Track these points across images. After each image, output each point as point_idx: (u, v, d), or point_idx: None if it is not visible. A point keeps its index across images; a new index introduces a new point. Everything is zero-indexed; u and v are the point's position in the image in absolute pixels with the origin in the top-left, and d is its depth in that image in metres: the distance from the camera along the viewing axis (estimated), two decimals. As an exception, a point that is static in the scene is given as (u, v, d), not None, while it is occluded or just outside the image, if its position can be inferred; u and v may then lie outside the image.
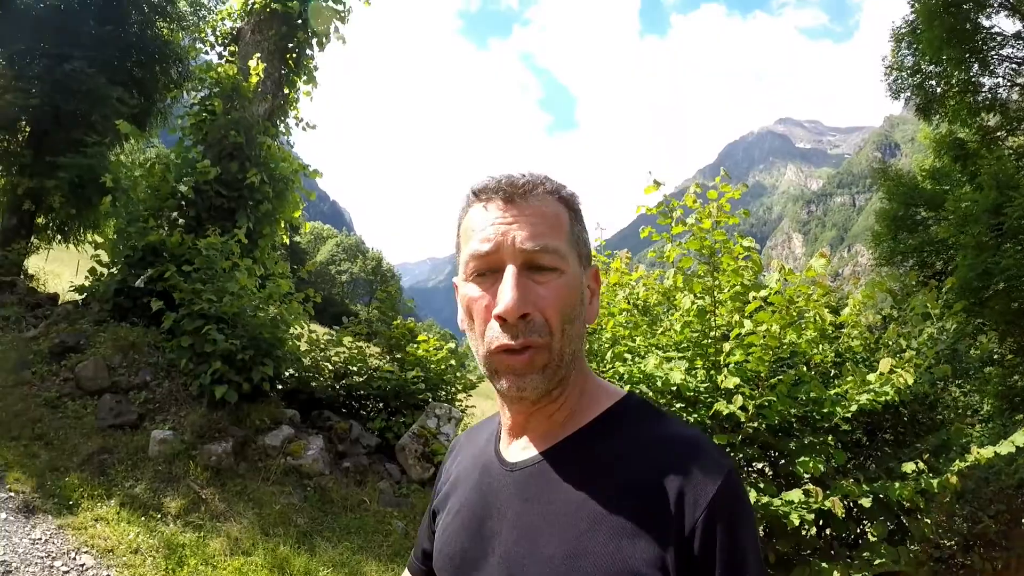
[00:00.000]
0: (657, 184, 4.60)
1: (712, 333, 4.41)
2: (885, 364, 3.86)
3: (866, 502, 3.69)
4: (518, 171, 1.03)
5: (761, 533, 3.97)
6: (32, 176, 10.60)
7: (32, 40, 10.66)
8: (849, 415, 4.04)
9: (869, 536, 4.06)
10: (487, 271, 0.99)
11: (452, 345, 7.88)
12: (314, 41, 10.16)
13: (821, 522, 4.13)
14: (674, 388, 4.26)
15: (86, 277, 8.67)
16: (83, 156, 10.40)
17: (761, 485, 3.90)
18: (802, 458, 3.89)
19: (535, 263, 0.96)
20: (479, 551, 1.02)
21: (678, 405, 4.36)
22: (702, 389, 4.25)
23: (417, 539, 1.34)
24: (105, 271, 8.47)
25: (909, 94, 14.42)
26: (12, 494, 5.01)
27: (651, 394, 4.34)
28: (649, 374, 4.23)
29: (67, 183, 10.48)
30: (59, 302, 9.52)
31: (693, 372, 4.32)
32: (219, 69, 8.78)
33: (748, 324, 3.98)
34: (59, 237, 12.51)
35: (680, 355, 4.44)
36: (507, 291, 0.94)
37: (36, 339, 7.55)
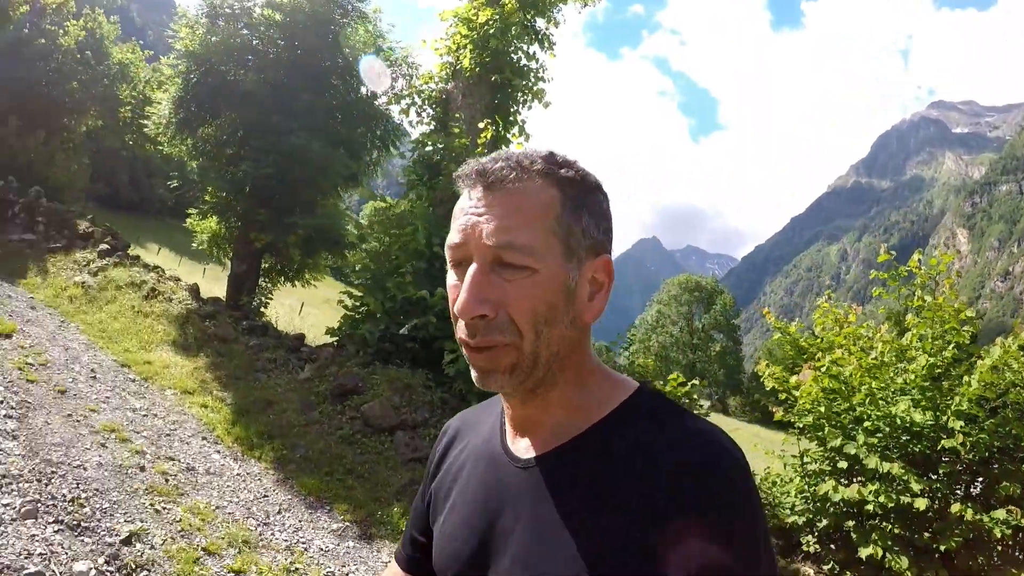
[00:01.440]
0: (889, 253, 5.87)
1: (937, 372, 5.40)
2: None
3: None
4: (514, 151, 1.00)
5: (962, 545, 4.88)
6: (266, 231, 12.35)
7: (256, 116, 12.37)
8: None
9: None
10: (458, 263, 0.99)
11: (695, 381, 8.45)
12: (519, 97, 11.35)
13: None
14: (908, 424, 5.17)
15: (339, 322, 10.18)
16: (315, 216, 12.09)
17: (969, 505, 4.76)
18: (1003, 483, 4.88)
19: (501, 260, 0.95)
20: (489, 550, 1.03)
21: (904, 437, 5.31)
22: (927, 426, 5.11)
23: (406, 527, 1.35)
24: (348, 316, 9.97)
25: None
26: (347, 523, 6.11)
27: (887, 429, 5.33)
28: (894, 414, 5.18)
29: (303, 238, 12.21)
30: (304, 342, 11.10)
31: (923, 413, 5.15)
32: (453, 137, 10.05)
33: (975, 383, 5.00)
34: (281, 279, 14.39)
35: (909, 398, 5.31)
36: (463, 291, 0.95)
37: (311, 380, 8.97)
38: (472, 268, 0.95)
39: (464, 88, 11.11)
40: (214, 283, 20.27)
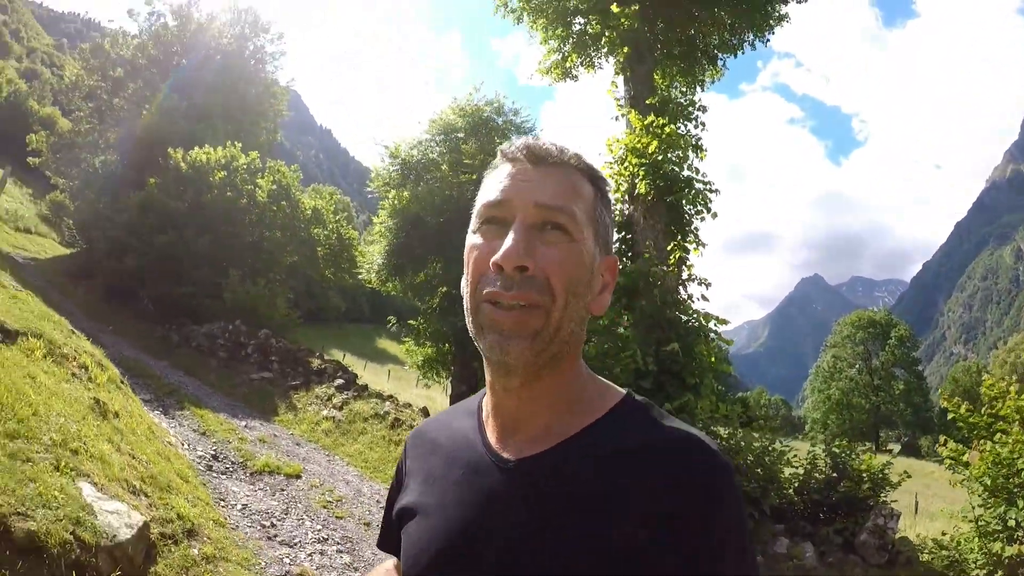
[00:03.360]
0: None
1: None
2: None
3: None
4: (550, 141, 1.11)
5: None
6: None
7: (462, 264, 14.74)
8: None
9: None
10: (494, 221, 1.06)
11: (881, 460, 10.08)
12: (691, 210, 12.87)
13: None
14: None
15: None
16: None
17: None
18: None
19: (548, 221, 1.03)
20: (472, 553, 1.05)
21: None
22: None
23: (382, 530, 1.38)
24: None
25: None
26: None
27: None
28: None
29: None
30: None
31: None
32: (646, 263, 11.61)
33: None
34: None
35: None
36: (511, 238, 1.01)
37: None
38: (519, 221, 1.02)
39: (644, 211, 12.79)
40: (405, 387, 22.88)
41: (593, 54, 16.20)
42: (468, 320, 1.06)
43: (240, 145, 24.37)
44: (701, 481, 0.98)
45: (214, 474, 9.65)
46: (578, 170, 1.10)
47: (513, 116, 16.72)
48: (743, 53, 15.92)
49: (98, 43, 35.28)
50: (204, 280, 20.32)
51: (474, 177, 15.03)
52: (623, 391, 1.13)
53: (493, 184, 1.09)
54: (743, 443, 9.71)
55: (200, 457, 10.24)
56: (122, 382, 10.57)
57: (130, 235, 22.07)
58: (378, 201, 16.74)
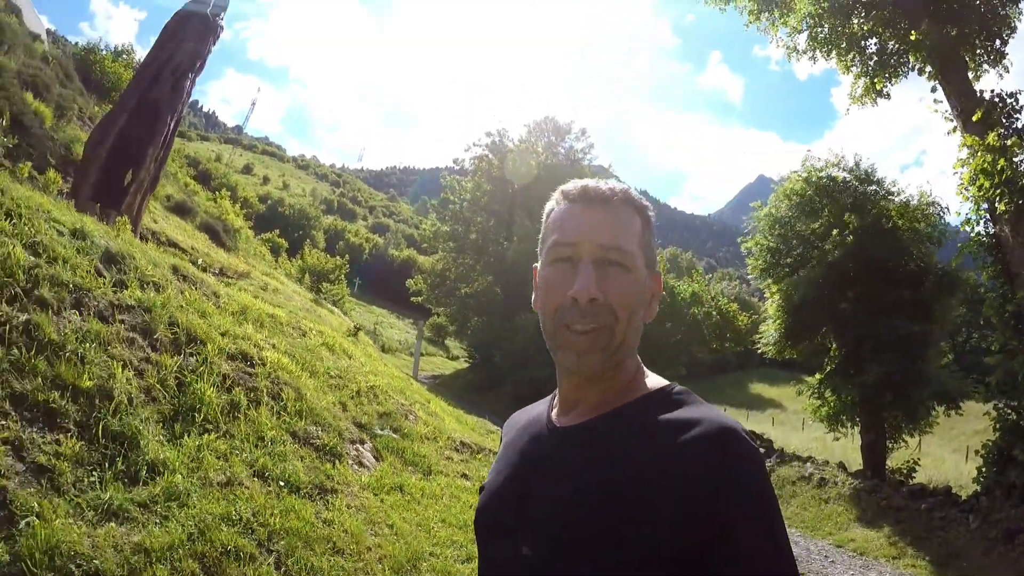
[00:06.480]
0: None
1: None
2: None
3: None
4: (600, 181, 1.39)
5: None
6: (892, 409, 16.32)
7: (861, 329, 16.27)
8: None
9: None
10: (565, 258, 1.32)
11: None
12: None
13: None
14: None
15: (978, 469, 13.08)
16: (931, 387, 15.67)
17: None
18: None
19: (608, 259, 1.30)
20: (521, 498, 1.32)
21: None
22: None
23: None
24: (987, 461, 12.64)
25: None
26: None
27: None
28: None
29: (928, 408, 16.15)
30: (951, 493, 13.89)
31: None
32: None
33: None
34: (903, 436, 17.56)
35: None
36: (583, 278, 1.28)
37: (982, 527, 11.64)
38: (585, 263, 1.30)
39: (1011, 230, 13.02)
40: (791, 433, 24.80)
41: (900, 69, 16.80)
42: (546, 336, 1.37)
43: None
44: (721, 456, 1.15)
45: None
46: (625, 206, 1.37)
47: (854, 169, 17.52)
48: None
49: (444, 196, 43.29)
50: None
51: (849, 240, 16.10)
52: (667, 382, 1.38)
53: (560, 224, 1.37)
54: None
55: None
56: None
57: (530, 348, 27.47)
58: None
